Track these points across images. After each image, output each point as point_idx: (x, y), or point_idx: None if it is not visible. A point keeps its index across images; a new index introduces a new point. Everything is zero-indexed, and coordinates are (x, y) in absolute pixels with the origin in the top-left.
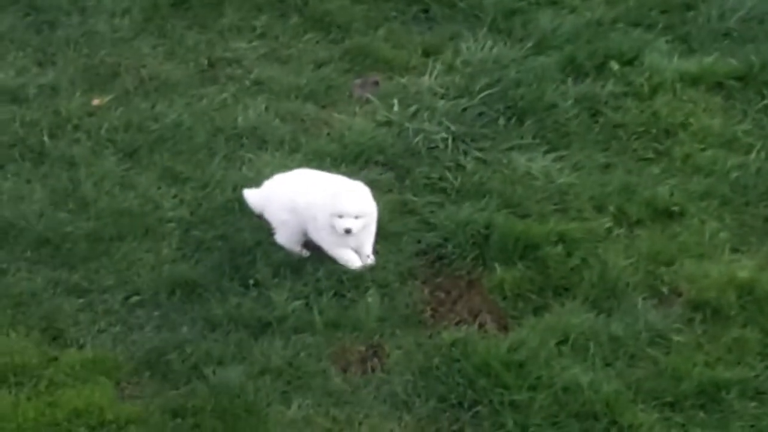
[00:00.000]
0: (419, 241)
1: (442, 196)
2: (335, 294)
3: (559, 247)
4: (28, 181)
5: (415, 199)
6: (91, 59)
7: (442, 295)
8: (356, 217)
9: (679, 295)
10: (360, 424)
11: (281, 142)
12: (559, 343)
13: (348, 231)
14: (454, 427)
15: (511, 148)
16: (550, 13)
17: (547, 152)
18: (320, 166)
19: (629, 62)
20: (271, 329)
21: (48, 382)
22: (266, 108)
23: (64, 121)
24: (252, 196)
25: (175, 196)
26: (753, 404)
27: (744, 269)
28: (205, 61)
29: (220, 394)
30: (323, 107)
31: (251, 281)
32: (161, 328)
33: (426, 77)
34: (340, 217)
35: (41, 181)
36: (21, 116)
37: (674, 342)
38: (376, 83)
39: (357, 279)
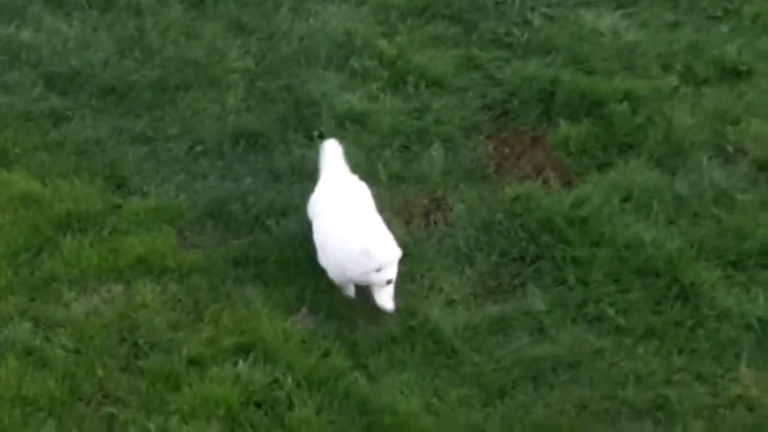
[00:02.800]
0: (484, 96)
1: (508, 52)
2: (400, 147)
3: (625, 105)
4: (95, 29)
5: (481, 53)
6: None
7: (507, 150)
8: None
9: (745, 154)
10: (422, 276)
11: None
12: (623, 200)
13: (390, 281)
14: (516, 282)
15: (579, 5)
16: None
17: (615, 9)
18: (386, 19)
19: None
20: None
21: (111, 229)
22: None
23: None
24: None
25: (240, 47)
26: None
27: None
28: None
29: (283, 245)
30: None
31: (315, 133)
32: (224, 178)
33: None
34: (378, 270)
35: (107, 29)
36: None
37: (738, 201)
38: None
39: (422, 132)
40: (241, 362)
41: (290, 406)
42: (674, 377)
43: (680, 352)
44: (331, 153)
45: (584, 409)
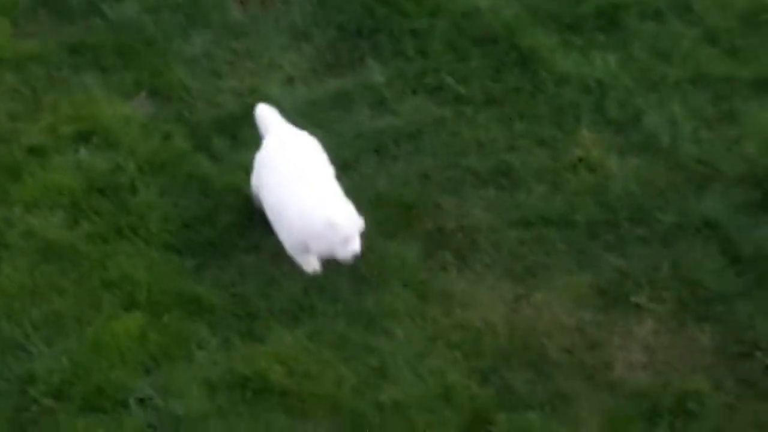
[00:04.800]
0: None
1: None
2: None
3: None
4: None
5: None
6: None
7: None
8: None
9: None
10: (260, 55)
11: None
12: None
13: (356, 255)
14: (354, 56)
15: None
16: None
17: None
18: None
19: None
20: None
21: None
22: None
23: None
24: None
25: None
26: (652, 24)
27: None
28: None
29: (119, 30)
30: None
31: None
32: None
33: None
34: (345, 244)
35: None
36: None
37: None
38: None
39: None
40: (82, 149)
41: (133, 191)
42: (516, 143)
43: (521, 117)
44: (268, 115)
45: (428, 179)
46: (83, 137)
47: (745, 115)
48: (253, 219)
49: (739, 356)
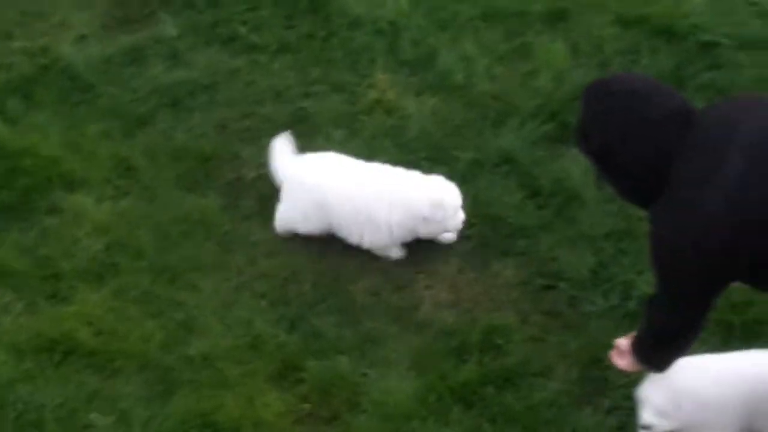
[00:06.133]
0: None
1: None
2: None
3: None
4: None
5: None
6: None
7: None
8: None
9: None
10: (50, 14)
11: None
12: None
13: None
14: (145, 10)
15: None
16: None
17: None
18: None
19: None
20: None
21: None
22: None
23: None
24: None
25: None
26: None
27: None
28: None
29: None
30: None
31: None
32: None
33: None
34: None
35: None
36: None
37: None
38: None
39: None
40: None
41: None
42: (311, 89)
43: (315, 63)
44: (286, 147)
45: (225, 129)
46: None
47: (538, 49)
48: (51, 180)
49: (543, 289)
